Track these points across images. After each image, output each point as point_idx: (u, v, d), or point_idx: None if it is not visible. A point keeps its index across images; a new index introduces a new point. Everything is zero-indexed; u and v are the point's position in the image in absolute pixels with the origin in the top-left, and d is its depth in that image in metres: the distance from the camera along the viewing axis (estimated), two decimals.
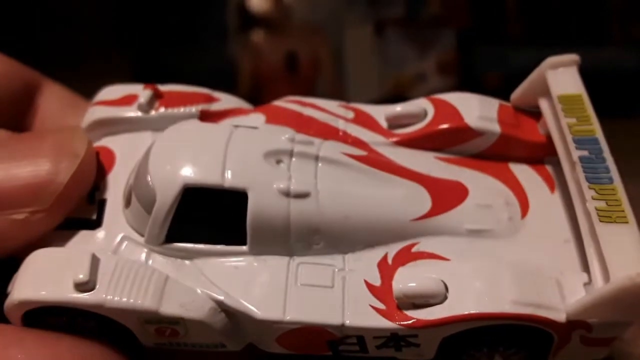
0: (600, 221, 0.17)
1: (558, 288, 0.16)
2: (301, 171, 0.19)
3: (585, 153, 0.18)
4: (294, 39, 1.67)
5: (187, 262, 0.19)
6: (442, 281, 0.18)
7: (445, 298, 0.18)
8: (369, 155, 0.20)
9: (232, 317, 0.18)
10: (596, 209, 0.17)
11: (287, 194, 0.18)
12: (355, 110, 0.22)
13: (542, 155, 0.20)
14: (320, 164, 0.19)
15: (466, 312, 0.17)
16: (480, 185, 0.20)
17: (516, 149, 0.19)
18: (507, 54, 1.21)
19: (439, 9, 1.36)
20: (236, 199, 0.18)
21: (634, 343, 0.22)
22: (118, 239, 0.19)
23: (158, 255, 0.19)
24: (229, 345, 0.18)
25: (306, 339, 0.18)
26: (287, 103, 0.22)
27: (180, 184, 0.18)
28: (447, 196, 0.19)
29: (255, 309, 0.18)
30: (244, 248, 0.19)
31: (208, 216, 0.19)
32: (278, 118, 0.21)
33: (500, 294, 0.17)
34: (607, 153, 0.18)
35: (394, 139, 0.21)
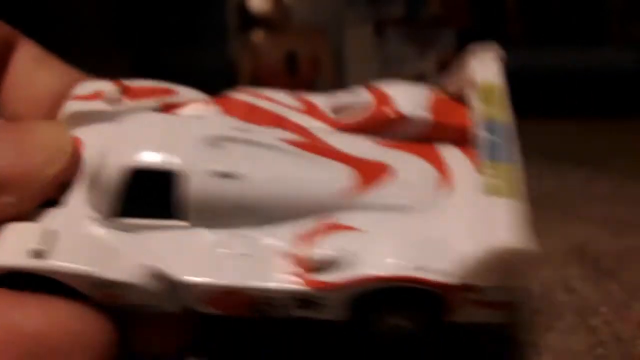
0: (488, 194, 0.19)
1: (453, 254, 0.18)
2: (235, 155, 0.22)
3: (486, 134, 0.20)
4: (294, 39, 1.67)
5: (133, 234, 0.22)
6: (348, 249, 0.21)
7: (348, 264, 0.20)
8: (307, 140, 0.22)
9: (168, 282, 0.21)
10: (487, 183, 0.19)
11: (218, 174, 0.21)
12: (304, 101, 0.24)
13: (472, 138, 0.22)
14: (255, 149, 0.22)
15: (359, 275, 0.20)
16: (408, 165, 0.23)
17: (447, 133, 0.22)
18: (507, 54, 1.21)
19: (439, 9, 1.36)
20: (174, 179, 0.21)
21: (633, 343, 0.22)
22: (77, 215, 0.22)
23: (108, 228, 0.22)
24: (167, 306, 0.21)
25: (233, 302, 0.21)
26: (241, 94, 0.24)
27: (124, 165, 0.21)
28: (372, 175, 0.22)
29: (185, 275, 0.21)
30: (183, 223, 0.22)
31: (151, 194, 0.21)
32: (232, 109, 0.24)
33: (393, 259, 0.20)
34: (511, 137, 0.21)
35: (337, 126, 0.24)
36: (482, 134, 0.20)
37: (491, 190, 0.18)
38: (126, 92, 0.24)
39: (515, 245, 0.17)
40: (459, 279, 0.18)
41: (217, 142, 0.22)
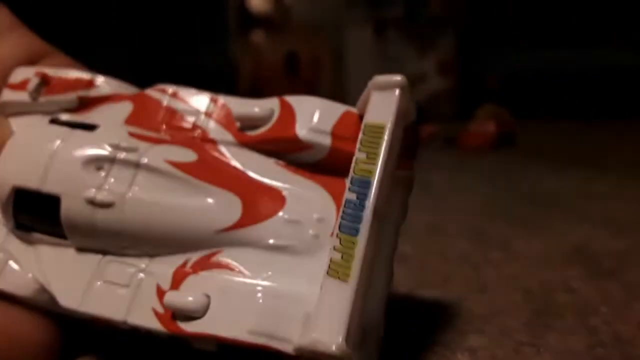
0: (328, 274, 0.17)
1: (305, 320, 0.17)
2: (115, 180, 0.21)
3: (353, 196, 0.18)
4: (294, 39, 1.67)
5: (31, 246, 0.22)
6: (208, 296, 0.19)
7: (204, 314, 0.19)
8: (198, 160, 0.21)
9: (51, 298, 0.21)
10: (331, 260, 0.17)
11: (93, 203, 0.20)
12: (218, 103, 0.23)
13: None
14: (138, 173, 0.21)
15: (207, 332, 0.19)
16: (301, 197, 0.21)
17: (349, 162, 0.19)
18: (507, 55, 1.21)
19: (439, 9, 1.36)
20: (53, 201, 0.21)
21: (633, 343, 0.22)
22: None
23: (13, 237, 0.22)
24: (68, 314, 0.21)
25: (108, 325, 0.20)
26: (154, 92, 0.23)
27: (10, 184, 0.21)
28: (259, 208, 0.20)
29: (58, 297, 0.20)
30: (69, 243, 0.21)
31: (39, 212, 0.21)
32: (144, 107, 0.23)
33: (242, 320, 0.19)
34: (370, 200, 0.18)
35: (240, 140, 0.22)
36: (347, 195, 0.18)
37: (331, 270, 0.17)
38: (47, 83, 0.24)
39: (323, 348, 0.16)
40: (298, 352, 0.17)
41: (99, 163, 0.21)
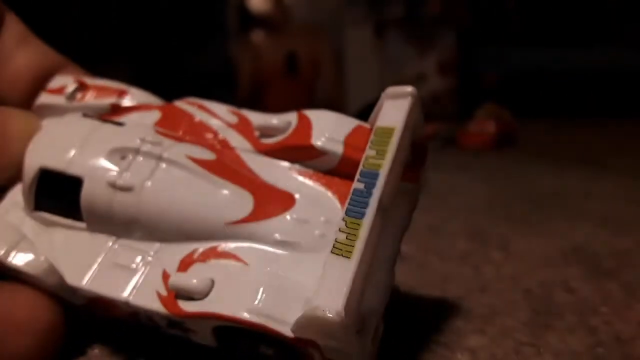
0: (332, 252, 0.18)
1: (305, 303, 0.18)
2: (138, 168, 0.22)
3: (361, 186, 0.19)
4: (294, 39, 1.67)
5: (47, 229, 0.23)
6: (212, 280, 0.20)
7: (206, 296, 0.20)
8: (216, 160, 0.23)
9: (60, 278, 0.22)
10: (336, 240, 0.18)
11: (113, 186, 0.22)
12: (240, 116, 0.24)
13: None
14: (159, 164, 0.22)
15: (206, 311, 0.19)
16: (311, 200, 0.22)
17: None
18: (507, 54, 1.21)
19: (439, 9, 1.36)
20: (75, 183, 0.22)
21: (633, 343, 0.22)
22: (10, 205, 0.23)
23: (30, 219, 0.23)
24: (70, 299, 0.22)
25: (109, 308, 0.21)
26: (182, 103, 0.25)
27: (37, 164, 0.22)
28: (270, 206, 0.22)
29: (66, 275, 0.21)
30: (83, 225, 0.22)
31: (57, 194, 0.23)
32: (171, 115, 0.25)
33: (242, 301, 0.19)
34: (378, 188, 0.19)
35: (258, 147, 0.24)
36: (355, 185, 0.19)
37: (335, 249, 0.18)
38: (84, 89, 0.26)
39: (322, 314, 0.16)
40: (295, 333, 0.18)
41: (124, 152, 0.23)
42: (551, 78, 1.17)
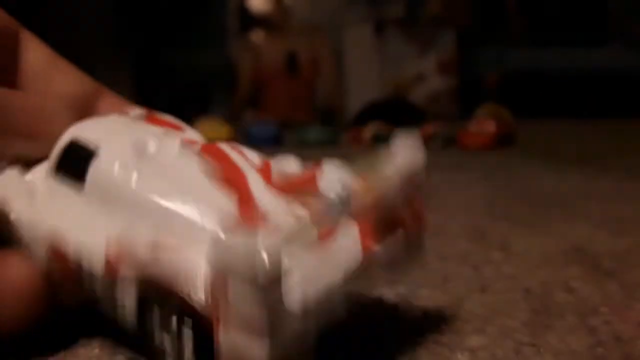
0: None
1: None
2: (152, 159, 0.24)
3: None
4: (294, 39, 1.67)
5: (63, 188, 0.25)
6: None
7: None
8: (224, 171, 0.25)
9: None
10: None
11: (125, 166, 0.24)
12: (265, 163, 0.26)
13: None
14: (174, 161, 0.24)
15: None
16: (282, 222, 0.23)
17: None
18: (507, 54, 1.21)
19: (439, 9, 1.36)
20: (91, 156, 0.25)
21: (633, 343, 0.22)
22: (41, 172, 0.26)
23: (52, 180, 0.25)
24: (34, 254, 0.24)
25: (64, 267, 0.23)
26: (224, 145, 0.27)
27: (68, 135, 0.25)
28: (249, 217, 0.23)
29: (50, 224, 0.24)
30: (87, 198, 0.25)
31: (76, 163, 0.25)
32: (207, 152, 0.26)
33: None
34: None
35: (267, 181, 0.26)
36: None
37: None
38: (148, 117, 0.28)
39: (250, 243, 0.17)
40: None
41: (147, 147, 0.25)
42: (551, 78, 1.17)
